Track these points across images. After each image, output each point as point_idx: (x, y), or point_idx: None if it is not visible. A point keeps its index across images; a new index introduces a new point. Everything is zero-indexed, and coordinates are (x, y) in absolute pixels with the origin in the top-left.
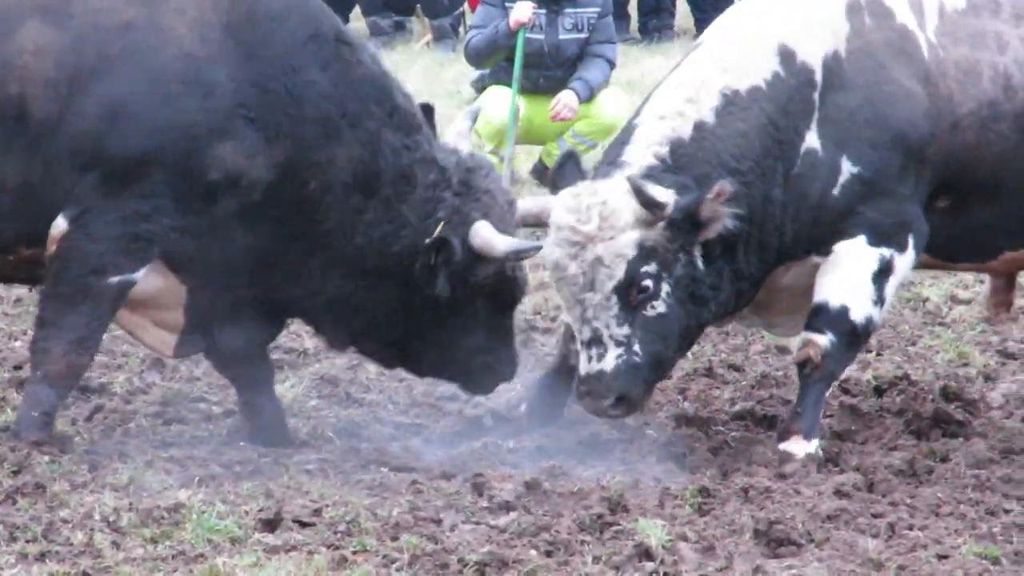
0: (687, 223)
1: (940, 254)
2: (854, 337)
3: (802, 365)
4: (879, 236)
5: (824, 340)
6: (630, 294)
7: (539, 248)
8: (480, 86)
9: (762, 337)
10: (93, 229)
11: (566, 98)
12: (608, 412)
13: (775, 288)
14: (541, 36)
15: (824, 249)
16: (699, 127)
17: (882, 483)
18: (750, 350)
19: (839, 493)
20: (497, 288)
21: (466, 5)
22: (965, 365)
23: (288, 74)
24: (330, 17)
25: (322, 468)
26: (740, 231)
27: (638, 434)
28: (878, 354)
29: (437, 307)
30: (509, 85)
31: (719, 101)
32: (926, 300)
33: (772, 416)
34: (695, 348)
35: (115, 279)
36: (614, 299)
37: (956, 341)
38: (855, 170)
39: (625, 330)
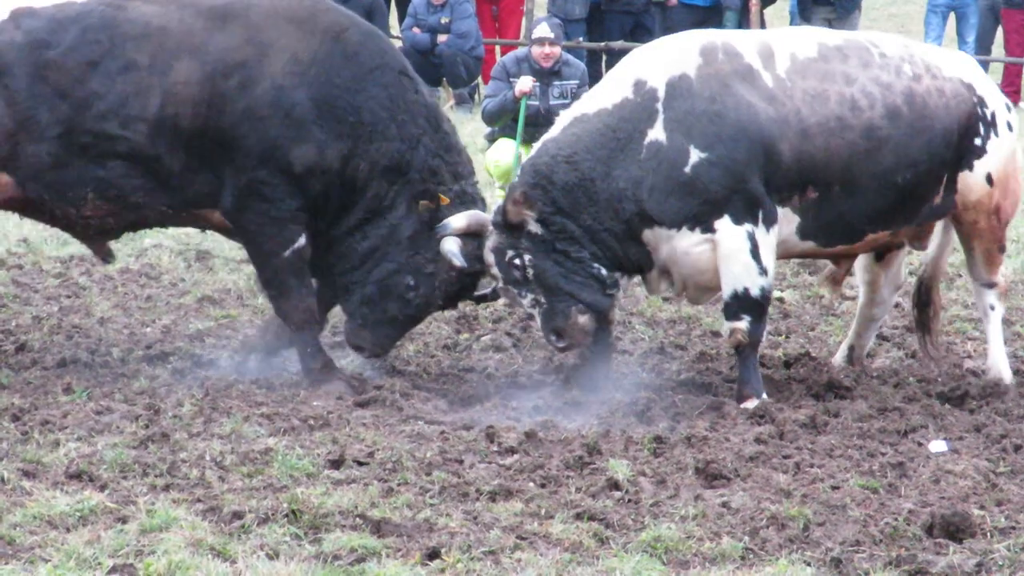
0: (507, 227)
1: (819, 240)
2: (760, 308)
3: (736, 347)
4: (738, 213)
5: (743, 323)
6: (513, 277)
7: (462, 265)
8: (491, 138)
9: (700, 324)
10: (250, 216)
11: None
12: (556, 347)
13: (675, 260)
14: (537, 102)
15: (704, 225)
16: (546, 141)
17: (790, 433)
18: (692, 334)
19: (758, 440)
20: (420, 282)
21: (480, 79)
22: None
23: (352, 93)
24: (399, 57)
25: (374, 422)
26: (567, 201)
27: (609, 397)
28: (786, 337)
29: (387, 266)
30: (514, 138)
31: (568, 121)
32: (821, 297)
33: (709, 383)
34: (650, 332)
35: (291, 248)
36: (509, 288)
37: (844, 327)
38: (704, 155)
39: (530, 296)
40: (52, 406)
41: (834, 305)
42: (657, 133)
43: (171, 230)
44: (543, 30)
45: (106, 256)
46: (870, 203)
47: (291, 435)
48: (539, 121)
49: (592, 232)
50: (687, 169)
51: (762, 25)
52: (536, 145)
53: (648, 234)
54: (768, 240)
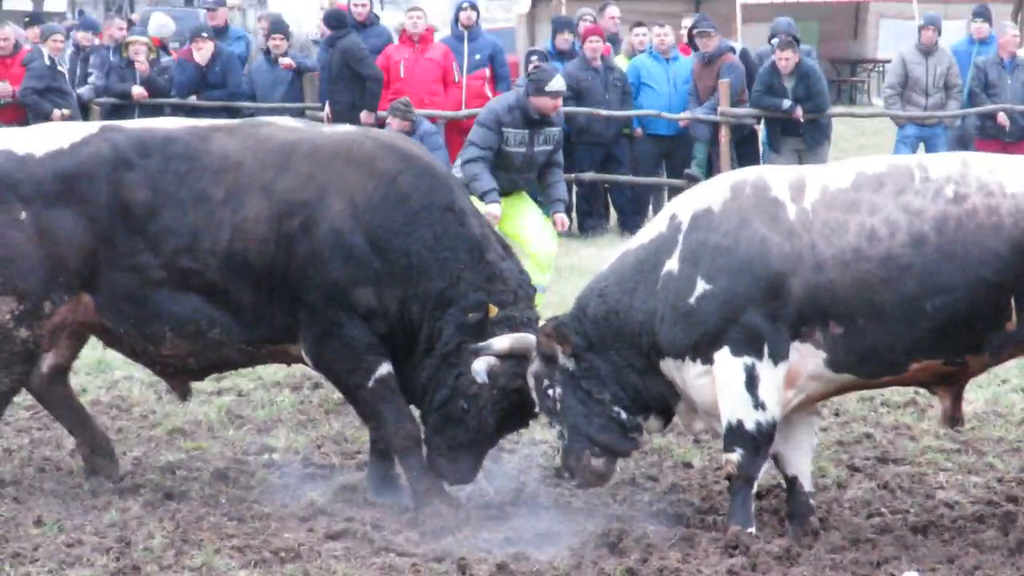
0: (542, 358)
1: (860, 372)
2: (754, 442)
3: (728, 479)
4: (737, 346)
5: (735, 456)
6: (546, 405)
7: (482, 384)
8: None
9: (671, 455)
10: (328, 353)
11: (561, 219)
12: (570, 484)
13: (686, 392)
14: (523, 150)
15: (704, 356)
16: (596, 276)
17: (763, 564)
18: (663, 465)
19: (730, 572)
20: (470, 404)
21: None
22: (823, 476)
23: (402, 236)
24: (448, 192)
25: (345, 554)
26: (597, 335)
27: (580, 527)
28: None
29: (441, 394)
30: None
31: (616, 257)
32: None
33: (681, 515)
34: (622, 464)
35: (373, 377)
36: (545, 414)
37: (816, 458)
38: (708, 287)
39: (558, 428)
40: (23, 539)
41: None
42: (672, 263)
43: None
44: (559, 83)
45: (184, 394)
46: (902, 332)
47: (262, 567)
48: (523, 168)
49: (617, 370)
50: (691, 300)
51: (732, 157)
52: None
53: (663, 365)
54: (773, 375)
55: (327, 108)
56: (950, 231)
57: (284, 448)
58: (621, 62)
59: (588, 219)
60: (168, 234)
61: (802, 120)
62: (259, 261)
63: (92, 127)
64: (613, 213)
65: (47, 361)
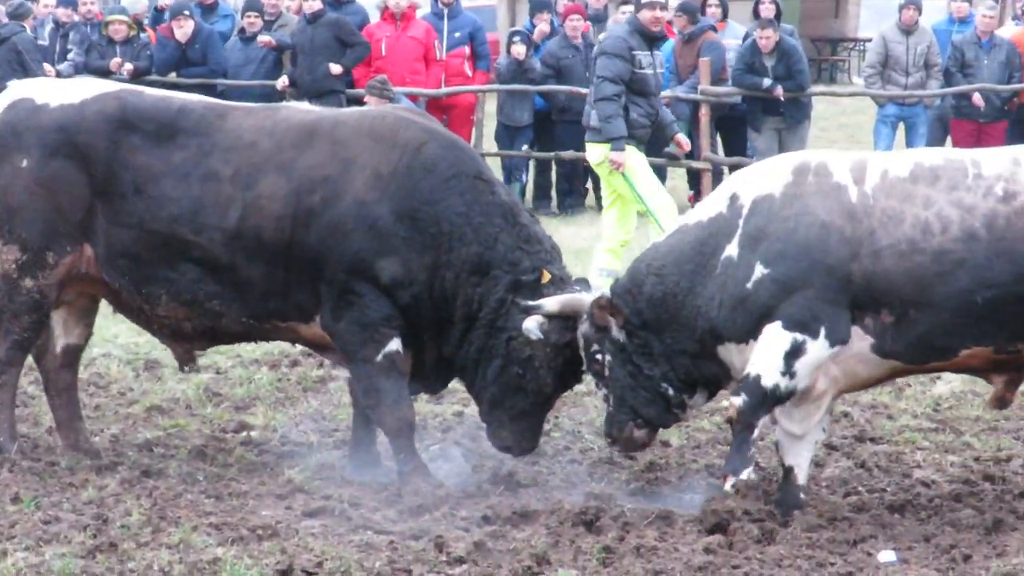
0: (593, 325)
1: (910, 359)
2: (763, 396)
3: (728, 421)
4: (792, 323)
5: (738, 401)
6: (593, 368)
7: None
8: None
9: None
10: (344, 325)
11: (683, 139)
12: (612, 448)
13: (739, 372)
14: (651, 71)
15: (758, 337)
16: (652, 245)
17: (740, 543)
18: None
19: (707, 550)
20: (526, 367)
21: None
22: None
23: (432, 204)
24: (474, 163)
25: (323, 531)
26: (651, 314)
27: (557, 506)
28: None
29: (495, 365)
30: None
31: (674, 228)
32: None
33: (658, 493)
34: (599, 442)
35: (382, 351)
36: (592, 375)
37: None
38: (766, 271)
39: (603, 391)
40: (0, 515)
41: None
42: (732, 249)
43: (120, 339)
44: None
45: (185, 363)
46: (953, 322)
47: (239, 545)
48: (657, 90)
49: (670, 351)
50: (749, 285)
51: (712, 134)
52: (647, 246)
53: (721, 350)
54: (821, 355)
55: (284, 80)
56: (999, 228)
57: (262, 426)
58: None
59: (568, 197)
60: (168, 202)
61: (782, 99)
62: (274, 238)
63: (114, 86)
64: (592, 192)
65: (60, 341)
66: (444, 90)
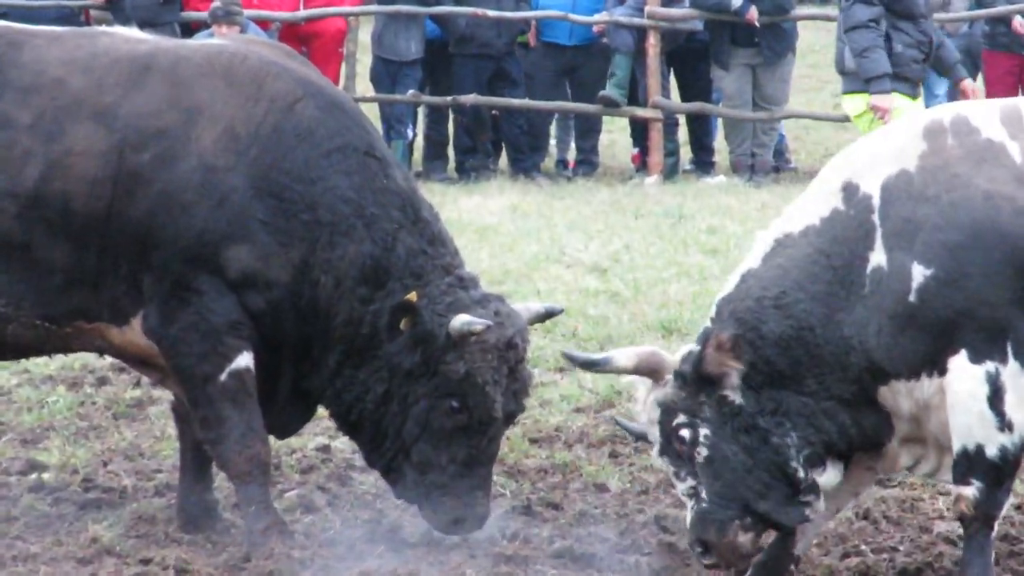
0: (696, 377)
1: None
2: (998, 473)
3: (961, 520)
4: (976, 350)
5: (970, 490)
6: (673, 450)
7: (486, 325)
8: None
9: (581, 475)
10: (179, 332)
11: (969, 85)
12: (701, 561)
13: (922, 421)
14: None
15: (938, 367)
16: (745, 275)
17: None
18: (568, 488)
19: None
20: (466, 394)
21: None
22: None
23: (307, 182)
24: (365, 134)
25: None
26: (784, 360)
27: (455, 571)
28: None
29: (417, 409)
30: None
31: (770, 246)
32: None
33: (591, 554)
34: (512, 485)
35: (227, 369)
36: (665, 460)
37: None
38: (928, 272)
39: (689, 482)
40: None
41: None
42: (878, 256)
43: None
44: None
45: None
46: None
47: None
48: (928, 12)
49: (811, 407)
50: (912, 296)
51: (664, 72)
52: (733, 278)
53: (885, 392)
54: (1021, 382)
55: None
56: None
57: (58, 465)
58: None
59: (471, 158)
60: None
61: (757, 25)
62: (86, 208)
63: None
64: (503, 151)
65: None
66: (303, 12)
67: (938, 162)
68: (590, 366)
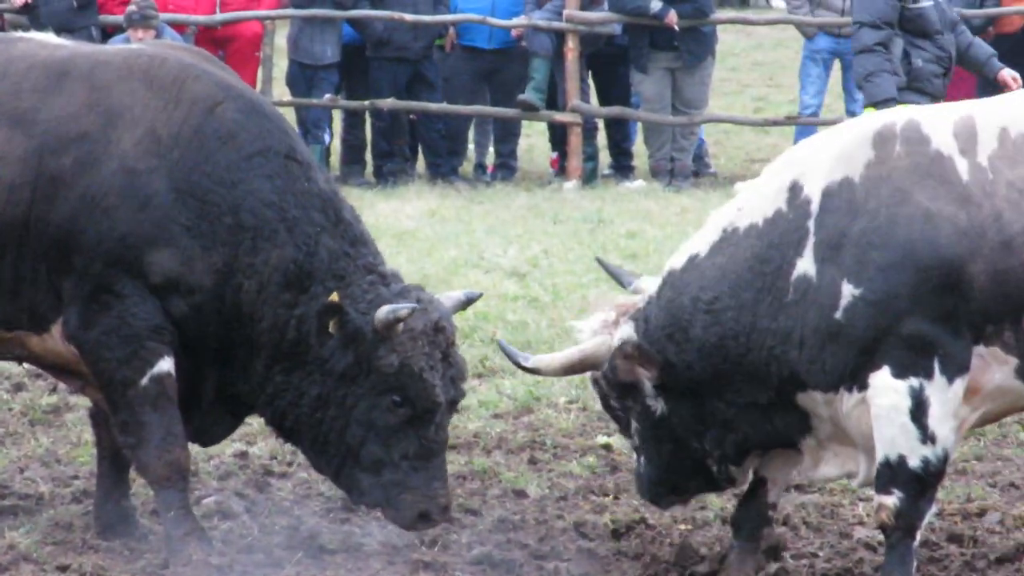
0: (614, 381)
1: None
2: (919, 483)
3: (882, 528)
4: (901, 366)
5: (891, 500)
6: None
7: (411, 309)
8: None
9: (499, 481)
10: (99, 336)
11: (1010, 75)
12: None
13: (841, 431)
14: (932, 1)
15: (858, 382)
16: (691, 258)
17: None
18: (488, 494)
19: None
20: (405, 385)
21: None
22: (702, 508)
23: (229, 186)
24: (286, 137)
25: None
26: (705, 367)
27: None
28: (615, 498)
29: (358, 410)
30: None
31: (718, 237)
32: None
33: (509, 560)
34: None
35: (149, 373)
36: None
37: None
38: (858, 292)
39: (635, 440)
40: None
41: None
42: (806, 264)
43: None
44: None
45: None
46: None
47: None
48: (943, 28)
49: (728, 416)
50: (838, 314)
51: (583, 76)
52: (681, 256)
53: (803, 398)
54: (947, 396)
55: None
56: None
57: None
58: None
59: (388, 162)
60: None
61: (677, 29)
62: (4, 214)
63: None
64: (421, 156)
65: None
66: (219, 16)
67: (882, 172)
68: (516, 360)
